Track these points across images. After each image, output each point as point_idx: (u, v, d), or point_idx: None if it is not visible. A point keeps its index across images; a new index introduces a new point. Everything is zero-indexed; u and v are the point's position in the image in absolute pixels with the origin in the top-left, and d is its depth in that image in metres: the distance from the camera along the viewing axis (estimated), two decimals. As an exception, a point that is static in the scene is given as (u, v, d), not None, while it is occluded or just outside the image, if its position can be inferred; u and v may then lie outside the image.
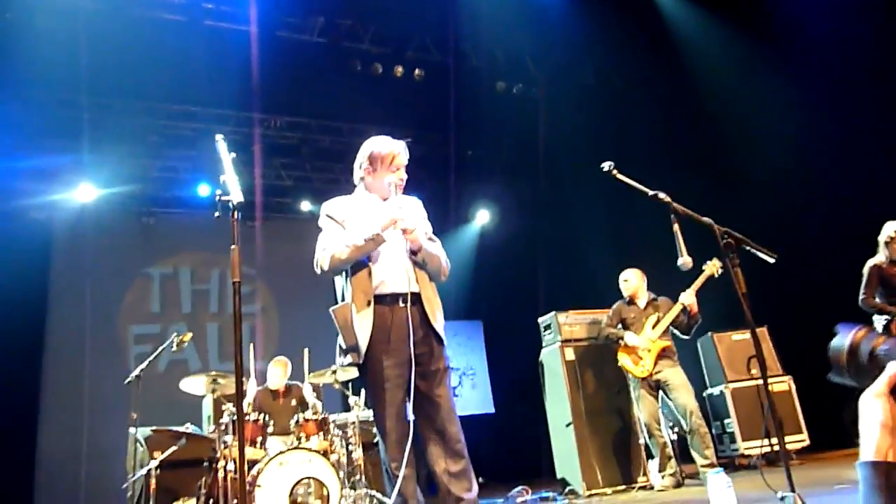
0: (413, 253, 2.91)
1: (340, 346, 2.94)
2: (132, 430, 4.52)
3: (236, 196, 2.15)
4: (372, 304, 2.84)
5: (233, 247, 2.11)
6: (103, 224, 8.90)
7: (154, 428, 5.01)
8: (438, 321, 2.88)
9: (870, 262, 5.28)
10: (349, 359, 2.88)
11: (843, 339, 1.19)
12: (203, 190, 9.06)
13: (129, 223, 9.27)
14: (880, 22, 6.38)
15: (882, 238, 5.24)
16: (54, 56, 6.86)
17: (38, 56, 6.87)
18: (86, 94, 7.62)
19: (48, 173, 8.23)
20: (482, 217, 10.65)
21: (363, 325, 2.83)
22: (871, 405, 1.07)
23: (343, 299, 3.00)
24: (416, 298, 2.85)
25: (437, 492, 2.78)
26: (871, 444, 1.04)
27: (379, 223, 2.91)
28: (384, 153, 3.24)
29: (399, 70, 8.30)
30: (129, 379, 4.65)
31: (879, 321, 5.16)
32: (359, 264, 2.92)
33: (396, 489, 2.67)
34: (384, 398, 2.76)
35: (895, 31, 6.28)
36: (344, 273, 3.00)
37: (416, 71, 8.39)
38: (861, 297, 5.24)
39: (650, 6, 8.00)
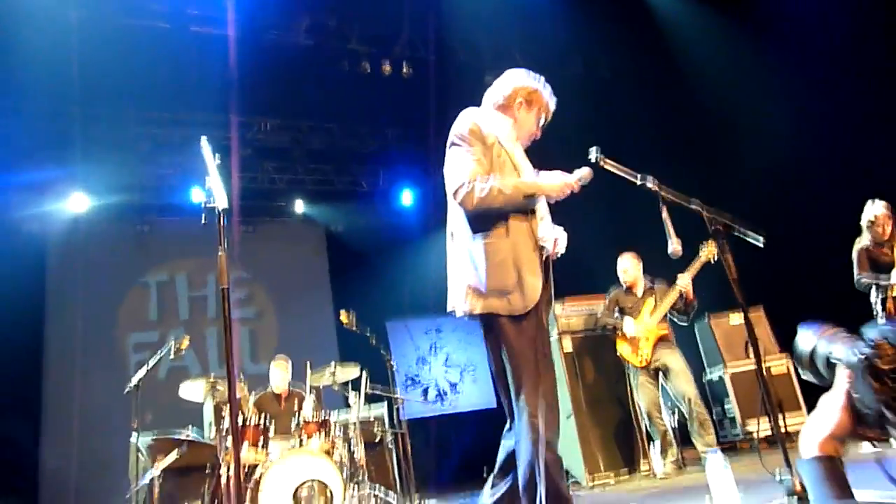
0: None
1: (474, 288, 2.53)
2: (133, 438, 4.53)
3: (221, 201, 2.15)
4: (539, 254, 2.56)
5: (220, 252, 2.10)
6: (98, 234, 8.89)
7: (155, 436, 5.01)
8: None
9: (856, 245, 5.31)
10: (499, 303, 2.48)
11: (805, 342, 1.19)
12: (196, 195, 9.04)
13: (123, 232, 9.26)
14: (867, 7, 6.39)
15: (863, 221, 5.26)
16: (43, 68, 6.84)
17: (27, 68, 6.85)
18: (76, 104, 7.61)
19: (41, 185, 8.22)
20: (477, 212, 10.65)
21: (534, 270, 2.51)
22: (828, 411, 1.07)
23: (470, 232, 2.59)
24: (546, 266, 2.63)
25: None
26: (813, 442, 1.05)
27: (563, 179, 2.59)
28: (545, 101, 2.85)
29: (387, 68, 8.28)
30: (127, 388, 4.65)
31: (876, 299, 5.18)
32: (524, 210, 2.59)
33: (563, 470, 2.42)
34: (548, 358, 2.50)
35: (882, 16, 6.29)
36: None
37: (405, 68, 8.37)
38: (856, 275, 5.27)
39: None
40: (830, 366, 1.15)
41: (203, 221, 2.09)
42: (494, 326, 2.51)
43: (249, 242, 9.65)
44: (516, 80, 2.88)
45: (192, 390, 4.86)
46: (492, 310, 2.49)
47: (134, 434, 4.58)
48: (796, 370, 6.45)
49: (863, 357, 1.06)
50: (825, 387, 1.15)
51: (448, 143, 2.71)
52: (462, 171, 2.57)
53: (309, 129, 9.26)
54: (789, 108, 7.16)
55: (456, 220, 2.67)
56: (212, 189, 2.13)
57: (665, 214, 2.54)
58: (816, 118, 7.02)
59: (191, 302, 9.58)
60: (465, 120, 2.76)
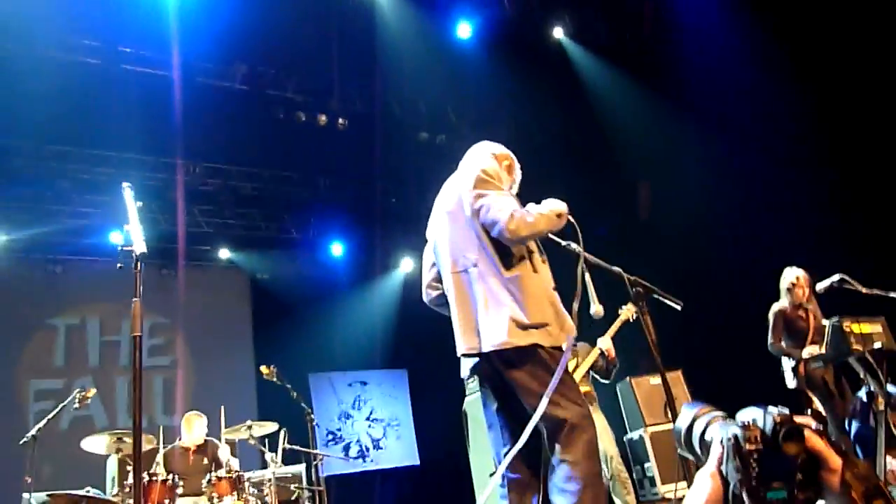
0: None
1: (516, 320, 2.52)
2: (25, 495, 4.18)
3: (139, 246, 2.07)
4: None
5: (134, 300, 2.02)
6: (5, 272, 8.39)
7: (49, 493, 4.65)
8: None
9: (774, 308, 5.53)
10: (540, 334, 2.52)
11: (683, 419, 1.23)
12: (115, 237, 8.68)
13: (34, 270, 8.78)
14: (784, 77, 6.88)
15: (784, 285, 5.51)
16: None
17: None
18: (-7, 135, 7.27)
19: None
20: (406, 265, 10.65)
21: (560, 306, 2.64)
22: (701, 481, 1.10)
23: (502, 268, 2.63)
24: None
25: None
26: None
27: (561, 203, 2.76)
28: (516, 171, 3.10)
29: (322, 118, 8.32)
30: (24, 439, 4.33)
31: (788, 365, 5.40)
32: (540, 251, 2.77)
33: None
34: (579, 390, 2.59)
35: (798, 87, 6.78)
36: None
37: (340, 120, 8.43)
38: (770, 341, 5.47)
39: (564, 61, 8.39)
40: (704, 444, 1.18)
41: (119, 265, 2.00)
42: (537, 358, 2.50)
43: (169, 287, 9.30)
44: (494, 148, 3.07)
45: (96, 444, 4.57)
46: (536, 341, 2.50)
47: (26, 493, 4.25)
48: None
49: (731, 438, 1.09)
50: (699, 465, 1.19)
51: (472, 184, 2.74)
52: (506, 204, 2.62)
53: (239, 175, 9.12)
54: (706, 172, 7.58)
55: (480, 257, 2.66)
56: (130, 233, 2.05)
57: (587, 277, 2.61)
58: (731, 188, 7.45)
59: (102, 347, 9.10)
60: (487, 160, 2.91)
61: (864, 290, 4.72)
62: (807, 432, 1.07)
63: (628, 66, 8.19)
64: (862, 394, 4.73)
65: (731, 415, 1.16)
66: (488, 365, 2.57)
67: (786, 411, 1.07)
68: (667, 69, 7.92)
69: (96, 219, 8.65)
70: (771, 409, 1.07)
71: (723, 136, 7.52)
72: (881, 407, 4.52)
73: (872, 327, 4.82)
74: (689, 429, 1.19)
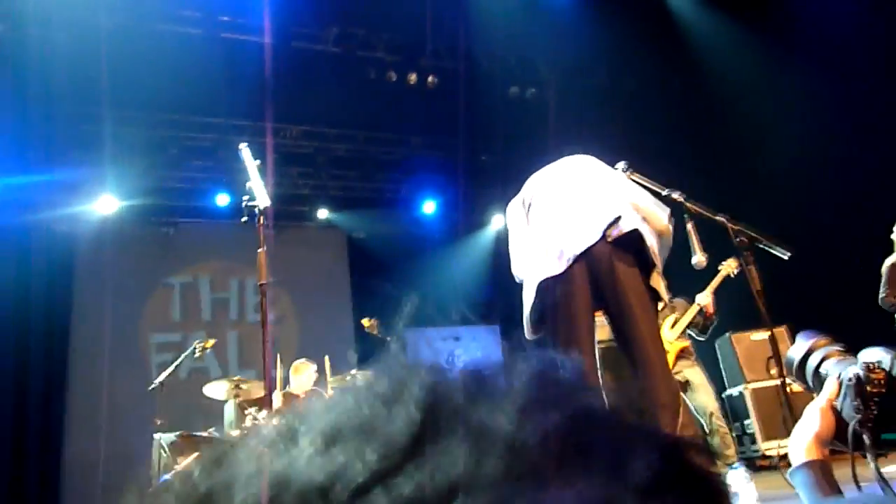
0: None
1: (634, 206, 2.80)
2: (157, 435, 4.60)
3: (263, 200, 2.21)
4: None
5: (260, 250, 2.16)
6: (124, 235, 9.04)
7: (178, 433, 5.08)
8: None
9: (888, 261, 5.21)
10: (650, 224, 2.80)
11: (798, 349, 1.20)
12: (221, 199, 9.18)
13: (149, 234, 9.42)
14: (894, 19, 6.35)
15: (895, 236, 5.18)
16: (75, 71, 7.01)
17: (60, 72, 7.02)
18: (107, 107, 7.76)
19: (70, 186, 8.39)
20: (498, 221, 10.67)
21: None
22: (811, 416, 1.08)
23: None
24: None
25: None
26: (800, 450, 1.06)
27: None
28: None
29: (413, 77, 8.38)
30: (153, 385, 4.74)
31: (901, 320, 5.11)
32: None
33: None
34: None
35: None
36: None
37: (430, 77, 8.46)
38: (882, 295, 5.17)
39: (661, 6, 8.02)
40: (818, 377, 1.16)
41: (244, 219, 2.15)
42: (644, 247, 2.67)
43: (270, 247, 9.74)
44: None
45: (216, 390, 4.94)
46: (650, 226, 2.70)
47: (157, 433, 4.66)
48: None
49: (853, 378, 1.07)
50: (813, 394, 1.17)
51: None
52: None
53: (334, 137, 9.37)
54: (814, 120, 7.12)
55: (608, 175, 2.90)
56: (253, 189, 2.19)
57: (690, 226, 2.56)
58: (841, 133, 6.98)
59: (213, 304, 9.70)
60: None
61: None
62: None
63: (728, 5, 7.74)
64: None
65: (848, 350, 1.14)
66: None
67: None
68: (769, 8, 7.44)
69: (203, 183, 9.16)
70: None
71: (834, 76, 7.01)
72: None
73: None
74: (804, 360, 1.17)
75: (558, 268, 2.63)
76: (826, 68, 7.07)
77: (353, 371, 5.39)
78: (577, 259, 2.61)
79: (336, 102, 8.42)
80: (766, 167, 7.59)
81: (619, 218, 2.61)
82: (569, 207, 2.78)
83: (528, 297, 2.68)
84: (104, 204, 8.80)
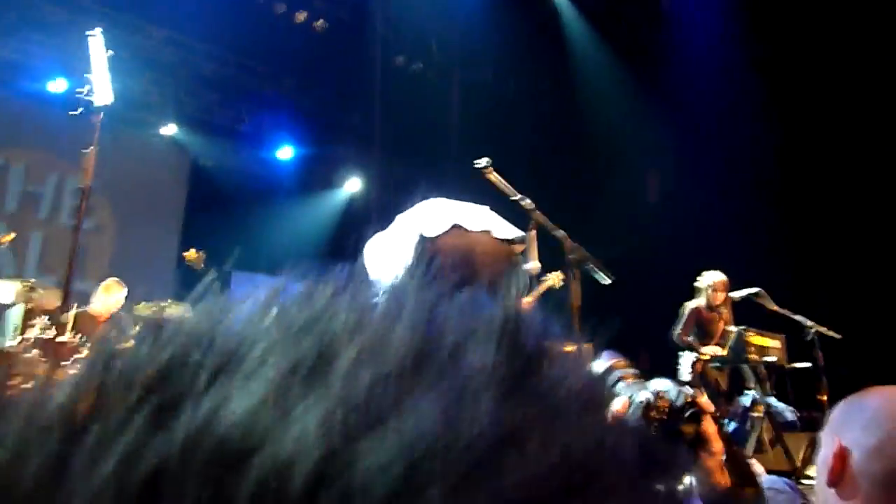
0: None
1: None
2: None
3: (104, 97, 2.00)
4: None
5: (88, 149, 1.96)
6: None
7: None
8: None
9: (690, 304, 5.78)
10: None
11: (598, 365, 1.31)
12: (57, 85, 8.21)
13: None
14: (760, 96, 7.06)
15: (703, 285, 5.74)
16: None
17: None
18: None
19: None
20: (352, 185, 10.54)
21: None
22: None
23: None
24: None
25: None
26: None
27: None
28: None
29: (302, 16, 8.02)
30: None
31: (688, 359, 5.68)
32: None
33: None
34: None
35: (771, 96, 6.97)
36: None
37: (320, 21, 8.14)
38: (676, 332, 5.72)
39: (556, 23, 8.33)
40: (610, 394, 1.29)
41: (79, 110, 1.93)
42: None
43: (104, 150, 8.91)
44: None
45: (4, 290, 4.44)
46: None
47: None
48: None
49: (643, 401, 1.20)
50: None
51: None
52: None
53: (203, 53, 8.72)
54: (669, 161, 7.77)
55: None
56: (94, 81, 1.97)
57: (533, 234, 2.68)
58: (689, 179, 7.67)
59: (22, 196, 8.71)
60: None
61: (770, 308, 5.04)
62: (705, 415, 1.18)
63: (617, 40, 8.22)
64: (747, 400, 5.09)
65: (642, 376, 1.26)
66: None
67: (694, 392, 1.18)
68: (653, 52, 8.00)
69: (39, 61, 8.15)
70: (686, 388, 1.18)
71: (690, 125, 7.66)
72: (759, 413, 4.88)
73: (772, 342, 5.16)
74: (602, 376, 1.28)
75: None
76: (686, 113, 7.72)
77: (168, 301, 5.09)
78: None
79: (212, 17, 7.84)
80: (612, 191, 8.16)
81: None
82: None
83: None
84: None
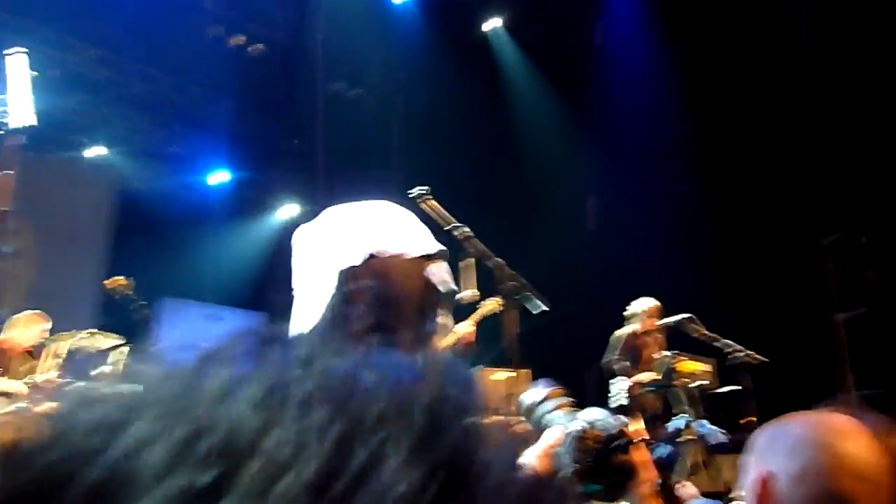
0: None
1: None
2: None
3: (24, 118, 1.90)
4: None
5: (6, 172, 1.85)
6: None
7: None
8: None
9: (624, 330, 5.85)
10: None
11: (533, 394, 1.32)
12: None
13: None
14: (690, 126, 7.34)
15: (637, 310, 5.84)
16: None
17: None
18: None
19: None
20: (288, 211, 10.34)
21: None
22: (529, 460, 1.19)
23: None
24: None
25: None
26: None
27: None
28: None
29: (241, 39, 7.91)
30: None
31: (623, 385, 5.74)
32: None
33: None
34: None
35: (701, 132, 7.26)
36: None
37: (259, 45, 8.05)
38: (610, 359, 5.80)
39: (491, 51, 8.52)
40: (543, 424, 1.29)
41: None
42: None
43: (26, 172, 8.50)
44: None
45: None
46: None
47: None
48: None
49: (579, 430, 1.22)
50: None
51: None
52: None
53: (136, 73, 8.45)
54: (595, 188, 7.95)
55: None
56: (12, 104, 1.87)
57: (471, 261, 2.69)
58: (619, 212, 7.88)
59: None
60: None
61: (697, 334, 5.20)
62: (635, 445, 1.20)
63: (551, 69, 8.43)
64: (680, 423, 5.20)
65: (576, 405, 1.27)
66: None
67: (625, 421, 1.20)
68: (587, 81, 8.24)
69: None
70: (619, 417, 1.20)
71: (624, 153, 7.88)
72: (692, 436, 5.00)
73: (703, 367, 5.32)
74: (537, 405, 1.28)
75: None
76: (619, 141, 7.96)
77: (91, 331, 4.85)
78: None
79: (147, 37, 7.66)
80: (545, 222, 8.29)
81: None
82: None
83: None
84: None
